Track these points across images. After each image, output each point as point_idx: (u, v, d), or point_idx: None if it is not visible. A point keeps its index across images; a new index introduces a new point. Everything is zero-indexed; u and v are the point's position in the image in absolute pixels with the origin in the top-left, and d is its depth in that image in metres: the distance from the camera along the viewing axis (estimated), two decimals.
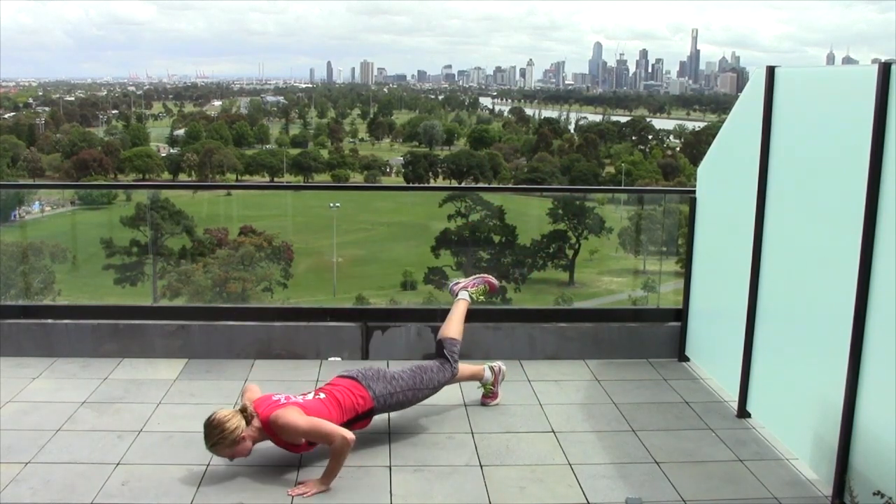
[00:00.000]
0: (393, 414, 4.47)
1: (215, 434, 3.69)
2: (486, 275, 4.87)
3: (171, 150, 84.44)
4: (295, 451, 3.86)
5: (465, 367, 4.51)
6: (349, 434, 3.73)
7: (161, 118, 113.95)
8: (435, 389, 4.30)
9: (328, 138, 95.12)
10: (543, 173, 66.66)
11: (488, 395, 4.67)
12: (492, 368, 4.67)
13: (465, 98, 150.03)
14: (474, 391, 4.81)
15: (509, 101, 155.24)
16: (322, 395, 3.98)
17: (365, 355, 5.39)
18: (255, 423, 3.76)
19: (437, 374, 4.30)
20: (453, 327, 4.54)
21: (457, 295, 4.77)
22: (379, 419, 4.39)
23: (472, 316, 5.52)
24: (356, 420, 4.00)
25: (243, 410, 3.77)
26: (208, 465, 3.85)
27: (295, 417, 3.72)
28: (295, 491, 3.63)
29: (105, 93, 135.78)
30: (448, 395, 4.81)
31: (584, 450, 4.12)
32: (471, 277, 4.87)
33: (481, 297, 4.80)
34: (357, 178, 75.30)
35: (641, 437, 4.27)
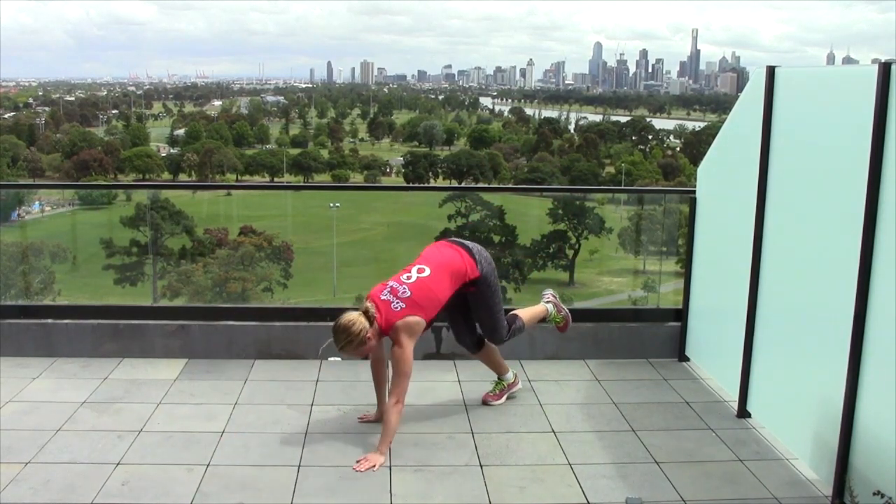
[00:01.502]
0: None
1: (342, 338, 4.01)
2: (569, 315, 4.91)
3: (171, 150, 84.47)
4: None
5: (528, 312, 4.70)
6: (401, 399, 4.04)
7: (161, 118, 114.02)
8: (493, 318, 4.43)
9: (328, 138, 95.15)
10: (543, 173, 66.67)
11: (492, 394, 4.72)
12: (516, 375, 4.80)
13: (465, 98, 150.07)
14: (474, 391, 4.81)
15: (509, 101, 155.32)
16: (427, 272, 4.18)
17: (365, 355, 5.38)
18: (376, 325, 4.04)
19: (501, 316, 4.47)
20: (526, 312, 4.69)
21: (544, 298, 4.87)
22: (378, 419, 4.40)
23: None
24: (465, 287, 4.26)
25: (366, 312, 4.03)
26: (208, 465, 3.86)
27: (406, 344, 4.06)
28: (362, 466, 3.85)
29: (105, 93, 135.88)
30: (448, 395, 4.81)
31: (584, 450, 4.12)
32: (562, 305, 4.90)
33: (554, 320, 4.86)
34: (357, 178, 75.31)
35: (641, 437, 4.27)
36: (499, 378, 4.73)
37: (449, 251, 4.32)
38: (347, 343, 4.02)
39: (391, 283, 4.16)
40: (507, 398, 4.72)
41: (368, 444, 4.11)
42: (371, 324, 4.03)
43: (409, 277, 4.16)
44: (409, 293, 4.10)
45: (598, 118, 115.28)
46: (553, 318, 4.84)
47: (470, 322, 4.55)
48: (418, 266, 4.22)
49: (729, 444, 4.18)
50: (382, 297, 4.11)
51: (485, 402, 4.65)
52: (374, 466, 3.86)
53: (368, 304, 4.07)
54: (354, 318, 4.02)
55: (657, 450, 4.11)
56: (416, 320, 4.08)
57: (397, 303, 4.08)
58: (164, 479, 3.72)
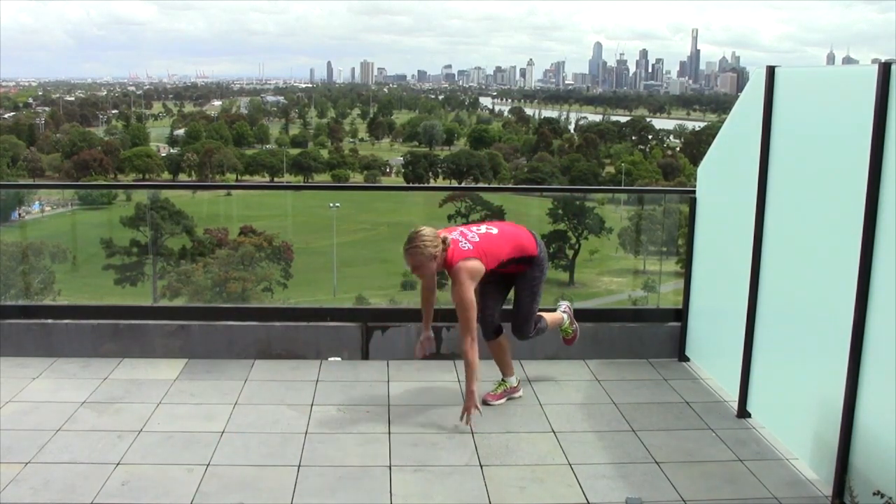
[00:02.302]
0: (393, 414, 4.48)
1: (415, 241, 4.21)
2: (578, 331, 5.09)
3: (171, 150, 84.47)
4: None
5: (504, 354, 4.77)
6: (473, 336, 4.21)
7: (161, 118, 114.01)
8: (532, 304, 4.61)
9: (328, 138, 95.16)
10: (543, 173, 66.67)
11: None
12: (519, 381, 4.85)
13: (465, 98, 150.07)
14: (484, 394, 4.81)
15: (509, 100, 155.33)
16: (494, 231, 4.44)
17: (365, 355, 5.39)
18: (444, 255, 4.23)
19: (537, 307, 4.64)
20: (547, 315, 4.83)
21: (560, 307, 5.03)
22: (378, 419, 4.40)
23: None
24: (518, 262, 4.44)
25: (444, 240, 4.24)
26: (208, 465, 3.86)
27: (467, 285, 4.21)
28: (466, 420, 4.19)
29: (105, 93, 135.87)
30: (448, 395, 4.81)
31: (584, 450, 4.12)
32: (574, 319, 5.08)
33: (565, 332, 5.06)
34: (357, 178, 75.32)
35: (641, 437, 4.27)
36: (503, 378, 4.74)
37: (516, 227, 4.62)
38: (415, 249, 4.21)
39: (461, 228, 4.44)
40: (507, 400, 4.72)
41: (368, 444, 4.11)
42: (443, 250, 4.23)
43: (478, 229, 4.45)
44: (477, 239, 4.36)
45: (598, 118, 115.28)
46: (564, 329, 5.00)
47: (500, 304, 4.67)
48: (487, 225, 4.52)
49: (729, 444, 4.18)
50: (452, 236, 4.33)
51: (485, 402, 4.65)
52: (477, 410, 4.22)
53: (445, 235, 4.29)
54: (433, 233, 4.25)
55: (657, 450, 4.11)
56: (479, 265, 4.28)
57: (465, 243, 4.32)
58: (164, 479, 3.72)
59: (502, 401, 4.69)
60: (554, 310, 5.01)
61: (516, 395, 4.77)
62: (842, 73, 4.08)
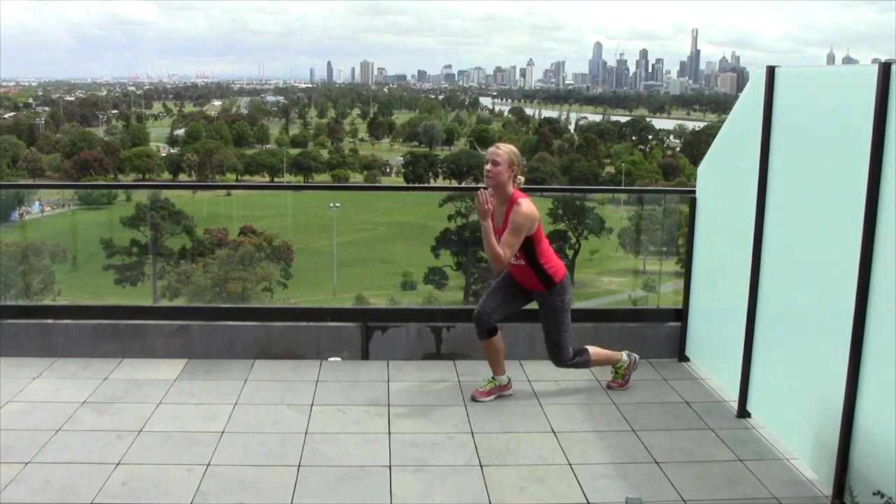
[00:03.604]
0: (393, 413, 4.48)
1: (499, 149, 4.50)
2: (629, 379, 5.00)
3: (171, 150, 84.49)
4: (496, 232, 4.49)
5: (601, 352, 4.90)
6: (502, 257, 4.40)
7: (161, 118, 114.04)
8: (556, 325, 4.66)
9: (328, 138, 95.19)
10: (543, 173, 66.67)
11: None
12: (629, 355, 4.98)
13: (465, 98, 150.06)
14: (473, 391, 4.82)
15: (509, 100, 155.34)
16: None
17: (365, 355, 5.39)
18: (512, 186, 4.50)
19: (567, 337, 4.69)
20: (597, 351, 4.89)
21: (627, 354, 5.00)
22: (378, 419, 4.40)
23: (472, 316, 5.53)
24: (540, 270, 4.57)
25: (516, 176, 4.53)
26: (208, 465, 3.86)
27: (529, 215, 4.42)
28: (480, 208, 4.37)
29: (105, 93, 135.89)
30: (448, 395, 4.81)
31: (584, 450, 4.12)
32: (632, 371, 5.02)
33: (617, 372, 4.97)
34: (357, 178, 75.35)
35: (641, 437, 4.27)
36: (493, 377, 4.75)
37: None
38: (508, 147, 4.51)
39: None
40: (497, 398, 4.72)
41: (368, 444, 4.11)
42: (515, 176, 4.51)
43: None
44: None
45: (598, 118, 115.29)
46: (618, 369, 4.95)
47: (509, 305, 4.74)
48: None
49: (729, 444, 4.18)
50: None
51: (473, 398, 4.67)
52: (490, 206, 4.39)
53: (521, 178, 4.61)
54: (515, 153, 4.54)
55: (657, 450, 4.11)
56: (536, 211, 4.49)
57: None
58: (164, 479, 3.72)
59: (490, 398, 4.70)
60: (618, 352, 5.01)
61: (507, 392, 4.77)
62: (842, 73, 4.08)
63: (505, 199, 4.52)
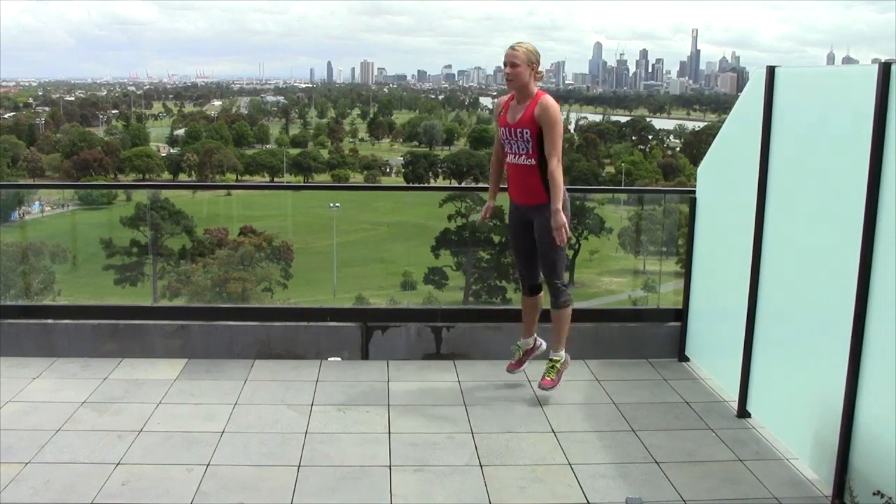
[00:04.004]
0: (393, 414, 4.48)
1: (525, 44, 4.46)
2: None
3: (171, 150, 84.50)
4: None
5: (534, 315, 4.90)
6: (560, 158, 4.40)
7: (161, 118, 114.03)
8: (556, 253, 4.60)
9: (328, 138, 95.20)
10: None
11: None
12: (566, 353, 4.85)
13: (465, 98, 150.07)
14: (474, 391, 4.82)
15: None
16: None
17: (365, 355, 5.39)
18: (535, 83, 4.47)
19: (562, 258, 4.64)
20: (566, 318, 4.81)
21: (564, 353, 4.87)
22: (378, 419, 4.40)
23: (472, 316, 5.55)
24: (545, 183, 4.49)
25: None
26: (208, 465, 3.86)
27: (557, 108, 4.45)
28: (560, 236, 4.38)
29: (105, 93, 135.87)
30: (448, 395, 4.81)
31: (584, 450, 4.12)
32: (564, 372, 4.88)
33: (550, 369, 4.80)
34: (357, 178, 75.34)
35: (641, 437, 4.27)
36: (519, 343, 4.91)
37: None
38: (524, 47, 4.45)
39: None
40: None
41: (368, 444, 4.11)
42: (533, 79, 4.46)
43: None
44: None
45: (598, 118, 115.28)
46: (555, 363, 4.77)
47: (534, 264, 4.75)
48: None
49: (729, 444, 4.18)
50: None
51: (508, 371, 4.89)
52: (566, 229, 4.38)
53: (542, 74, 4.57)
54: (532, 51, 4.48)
55: (657, 450, 4.11)
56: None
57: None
58: (164, 479, 3.72)
59: (524, 366, 4.92)
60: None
61: (537, 352, 4.94)
62: (842, 73, 4.08)
63: (527, 97, 4.48)
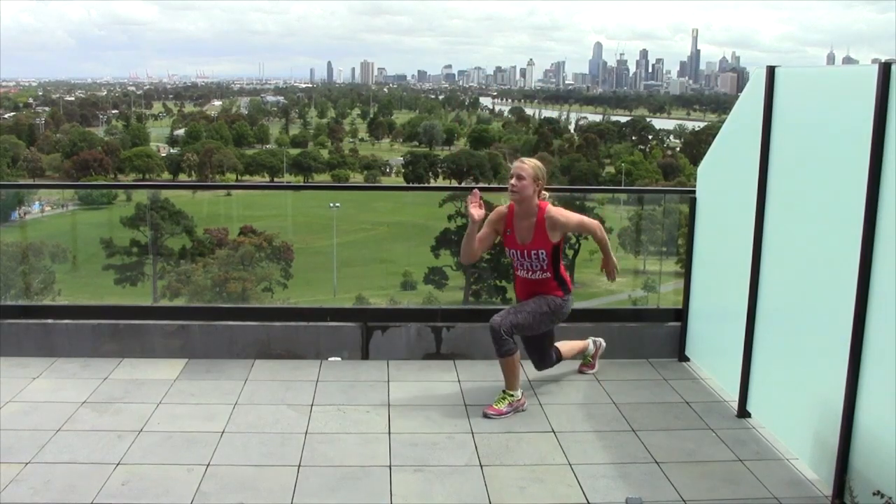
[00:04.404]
0: (393, 414, 4.48)
1: (533, 162, 4.55)
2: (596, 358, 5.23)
3: (171, 150, 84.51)
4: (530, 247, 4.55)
5: (571, 344, 5.07)
6: (600, 227, 4.64)
7: (161, 118, 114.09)
8: (552, 337, 4.83)
9: (328, 138, 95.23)
10: None
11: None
12: (594, 342, 5.18)
13: (465, 98, 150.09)
14: (474, 391, 4.81)
15: (509, 100, 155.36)
16: None
17: (365, 355, 5.39)
18: (537, 200, 4.52)
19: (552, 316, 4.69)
20: (565, 346, 5.04)
21: (594, 340, 5.22)
22: (378, 419, 4.40)
23: (472, 316, 5.54)
24: (555, 276, 4.65)
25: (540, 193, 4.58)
26: (208, 465, 3.86)
27: (567, 213, 4.58)
28: (613, 274, 4.81)
29: (105, 93, 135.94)
30: (448, 395, 4.81)
31: (584, 450, 4.12)
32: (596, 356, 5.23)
33: (586, 359, 5.20)
34: (357, 178, 75.36)
35: (641, 437, 4.27)
36: (506, 391, 4.59)
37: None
38: (534, 163, 4.55)
39: None
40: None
41: (368, 444, 4.11)
42: (537, 195, 4.53)
43: None
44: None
45: (598, 118, 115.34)
46: (586, 357, 5.18)
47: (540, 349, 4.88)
48: None
49: (729, 444, 4.18)
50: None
51: (485, 415, 4.50)
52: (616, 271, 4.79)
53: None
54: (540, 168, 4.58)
55: (657, 450, 4.11)
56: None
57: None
58: (164, 479, 3.72)
59: (507, 414, 4.52)
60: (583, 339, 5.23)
61: (522, 408, 4.61)
62: (842, 73, 4.08)
63: (531, 212, 4.54)
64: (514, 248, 4.60)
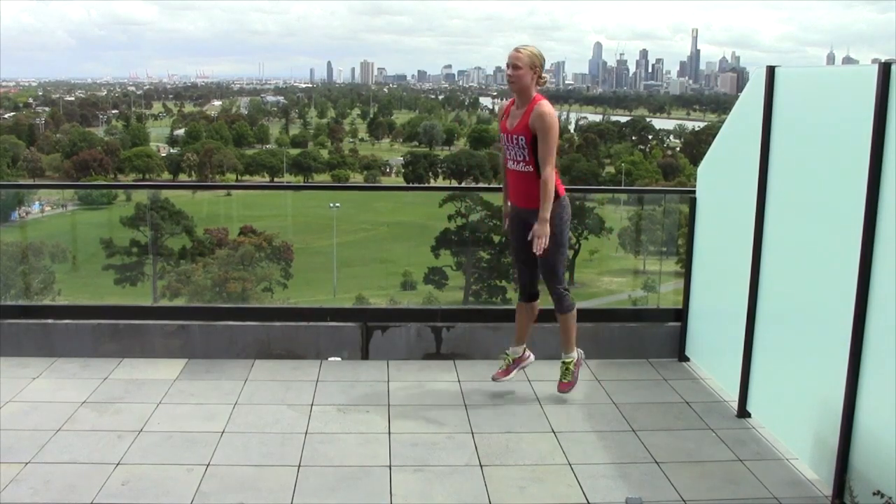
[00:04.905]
0: (393, 414, 4.48)
1: (529, 47, 4.43)
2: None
3: (171, 150, 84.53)
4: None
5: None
6: (553, 165, 4.40)
7: (161, 118, 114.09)
8: (555, 244, 4.49)
9: (328, 138, 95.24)
10: None
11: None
12: (579, 352, 4.83)
13: (465, 98, 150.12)
14: (474, 391, 4.81)
15: None
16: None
17: (365, 355, 5.39)
18: (535, 92, 4.41)
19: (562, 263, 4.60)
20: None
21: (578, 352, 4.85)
22: (378, 419, 4.40)
23: (472, 316, 5.55)
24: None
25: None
26: (208, 465, 3.86)
27: (553, 114, 4.40)
28: (537, 247, 4.31)
29: (105, 93, 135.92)
30: (448, 395, 4.81)
31: (584, 450, 4.12)
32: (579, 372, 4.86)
33: (564, 373, 4.78)
34: (357, 178, 75.37)
35: (641, 437, 4.27)
36: (508, 351, 4.83)
37: None
38: (528, 50, 4.41)
39: None
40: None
41: (368, 444, 4.11)
42: (535, 83, 4.43)
43: None
44: None
45: (598, 118, 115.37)
46: (568, 365, 4.75)
47: (534, 272, 4.71)
48: None
49: (729, 444, 4.18)
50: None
51: (493, 379, 4.76)
52: (545, 239, 4.32)
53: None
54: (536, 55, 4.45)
55: (657, 450, 4.11)
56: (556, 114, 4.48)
57: None
58: (164, 479, 3.72)
59: (511, 376, 4.78)
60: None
61: (525, 363, 4.83)
62: (842, 73, 4.08)
63: (526, 101, 4.44)
64: (503, 133, 4.55)
